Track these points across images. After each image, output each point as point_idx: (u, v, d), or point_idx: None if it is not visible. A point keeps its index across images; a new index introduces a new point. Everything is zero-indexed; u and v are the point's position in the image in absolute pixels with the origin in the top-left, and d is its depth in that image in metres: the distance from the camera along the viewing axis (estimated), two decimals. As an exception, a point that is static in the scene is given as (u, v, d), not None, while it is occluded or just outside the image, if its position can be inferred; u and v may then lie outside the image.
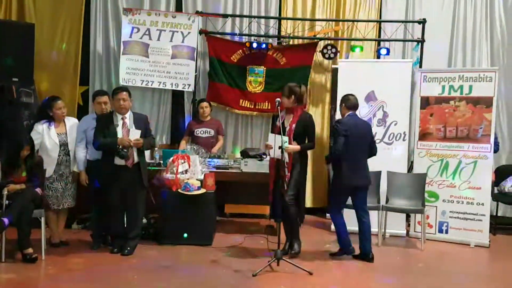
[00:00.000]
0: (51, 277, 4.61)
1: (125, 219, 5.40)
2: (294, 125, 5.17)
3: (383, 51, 7.19)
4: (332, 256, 5.38)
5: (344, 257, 5.40)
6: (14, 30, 6.49)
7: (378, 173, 6.18)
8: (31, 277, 4.54)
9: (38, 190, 5.04)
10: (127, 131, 5.20)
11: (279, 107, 4.98)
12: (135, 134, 5.19)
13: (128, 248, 5.23)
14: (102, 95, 5.60)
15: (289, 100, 5.22)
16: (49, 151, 5.30)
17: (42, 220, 5.03)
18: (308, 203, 7.70)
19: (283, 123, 5.13)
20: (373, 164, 6.23)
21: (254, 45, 7.25)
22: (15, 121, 6.14)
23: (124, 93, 5.24)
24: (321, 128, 7.69)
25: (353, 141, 5.18)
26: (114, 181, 5.16)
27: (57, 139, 5.33)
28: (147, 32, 7.13)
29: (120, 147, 5.09)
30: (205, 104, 6.80)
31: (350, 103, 5.43)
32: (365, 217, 5.31)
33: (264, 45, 7.25)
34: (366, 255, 5.23)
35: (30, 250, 4.84)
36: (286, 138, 4.98)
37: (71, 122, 5.52)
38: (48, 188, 5.30)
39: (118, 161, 5.14)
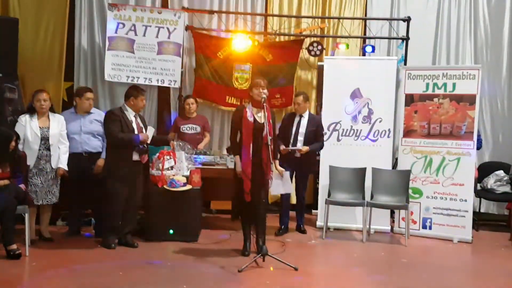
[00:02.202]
0: (35, 273, 4.58)
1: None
2: (271, 121, 4.95)
3: (369, 49, 7.24)
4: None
5: (330, 253, 5.55)
6: (-3, 25, 6.41)
7: (363, 170, 6.25)
8: (15, 273, 4.51)
9: (22, 186, 5.01)
10: (139, 128, 5.37)
11: (265, 103, 4.92)
12: (151, 131, 5.40)
13: (136, 243, 5.41)
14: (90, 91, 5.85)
15: (267, 92, 5.04)
16: (30, 143, 5.26)
17: (26, 216, 4.99)
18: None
19: (255, 119, 5.00)
20: (358, 160, 6.33)
21: (241, 42, 7.24)
22: (0, 116, 6.09)
23: None
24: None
25: None
26: (129, 176, 5.23)
27: (39, 131, 5.29)
28: (132, 28, 7.07)
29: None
30: (191, 100, 6.79)
31: None
32: None
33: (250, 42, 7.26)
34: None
35: (14, 246, 4.81)
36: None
37: (56, 118, 5.49)
38: (27, 183, 5.24)
39: (135, 156, 5.28)
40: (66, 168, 5.45)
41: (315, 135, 6.13)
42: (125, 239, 5.39)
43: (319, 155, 6.63)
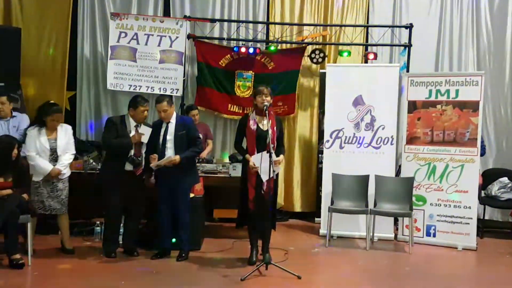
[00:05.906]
0: (37, 282, 4.57)
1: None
2: (275, 128, 5.01)
3: (371, 56, 7.24)
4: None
5: (333, 261, 5.49)
6: (0, 35, 6.43)
7: (366, 177, 6.22)
8: (17, 282, 4.49)
9: (24, 196, 5.00)
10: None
11: (267, 111, 4.92)
12: (147, 131, 5.24)
13: (137, 251, 5.37)
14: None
15: (271, 100, 5.08)
16: (39, 156, 5.21)
17: (29, 225, 4.96)
18: (297, 207, 7.73)
19: (258, 127, 5.02)
20: (361, 168, 6.30)
21: (243, 49, 7.25)
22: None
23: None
24: (310, 132, 7.72)
25: None
26: (122, 186, 5.18)
27: (48, 144, 5.26)
28: (134, 37, 7.10)
29: (134, 154, 5.17)
30: (195, 111, 6.77)
31: None
32: None
33: (252, 50, 7.26)
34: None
35: (17, 256, 4.80)
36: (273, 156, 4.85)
37: (63, 128, 5.41)
38: (33, 193, 5.21)
39: (127, 166, 5.22)
40: (64, 171, 5.30)
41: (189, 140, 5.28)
42: (128, 248, 5.38)
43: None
